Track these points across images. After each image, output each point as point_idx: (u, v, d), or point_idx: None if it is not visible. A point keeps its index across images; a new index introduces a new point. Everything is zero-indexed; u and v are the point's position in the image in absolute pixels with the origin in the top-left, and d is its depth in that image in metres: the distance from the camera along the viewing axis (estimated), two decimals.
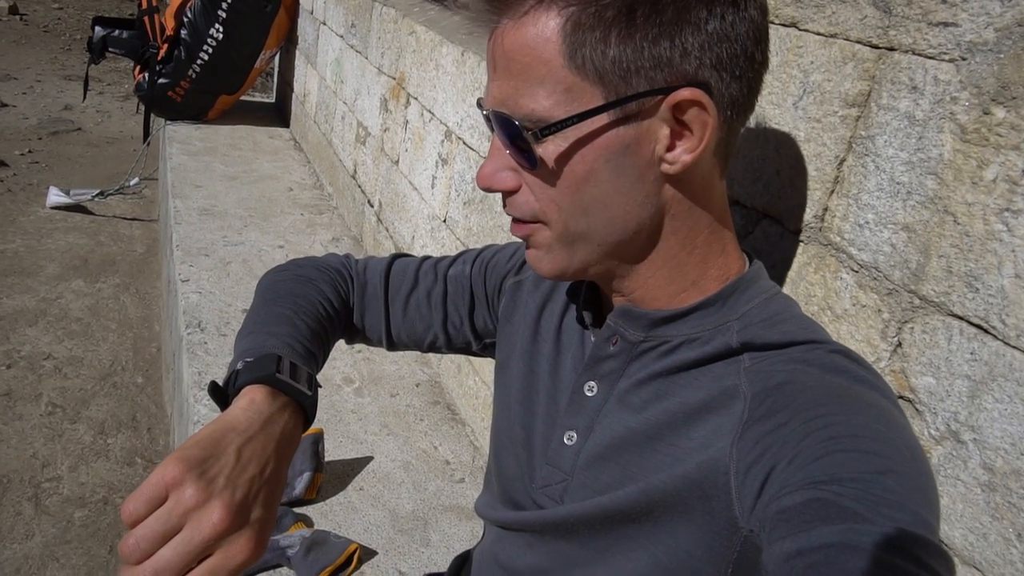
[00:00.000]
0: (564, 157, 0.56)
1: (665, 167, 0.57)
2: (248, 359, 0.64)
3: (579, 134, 0.55)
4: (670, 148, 0.56)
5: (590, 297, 0.71)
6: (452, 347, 0.87)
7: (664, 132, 0.56)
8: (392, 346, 0.87)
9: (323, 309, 0.79)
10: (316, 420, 1.61)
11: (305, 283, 0.81)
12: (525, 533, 0.71)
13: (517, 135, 0.57)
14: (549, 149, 0.56)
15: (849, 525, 0.41)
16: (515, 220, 0.63)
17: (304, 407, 0.64)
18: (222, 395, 0.64)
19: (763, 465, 0.51)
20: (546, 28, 0.53)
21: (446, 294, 0.84)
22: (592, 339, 0.69)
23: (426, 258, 0.88)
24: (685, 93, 0.54)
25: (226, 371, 0.67)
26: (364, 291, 0.86)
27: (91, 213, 3.61)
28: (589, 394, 0.67)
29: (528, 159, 0.57)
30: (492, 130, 0.62)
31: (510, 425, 0.76)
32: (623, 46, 0.53)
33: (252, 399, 0.60)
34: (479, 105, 0.63)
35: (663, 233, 0.60)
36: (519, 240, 0.85)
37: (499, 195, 0.65)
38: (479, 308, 0.84)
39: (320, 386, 0.68)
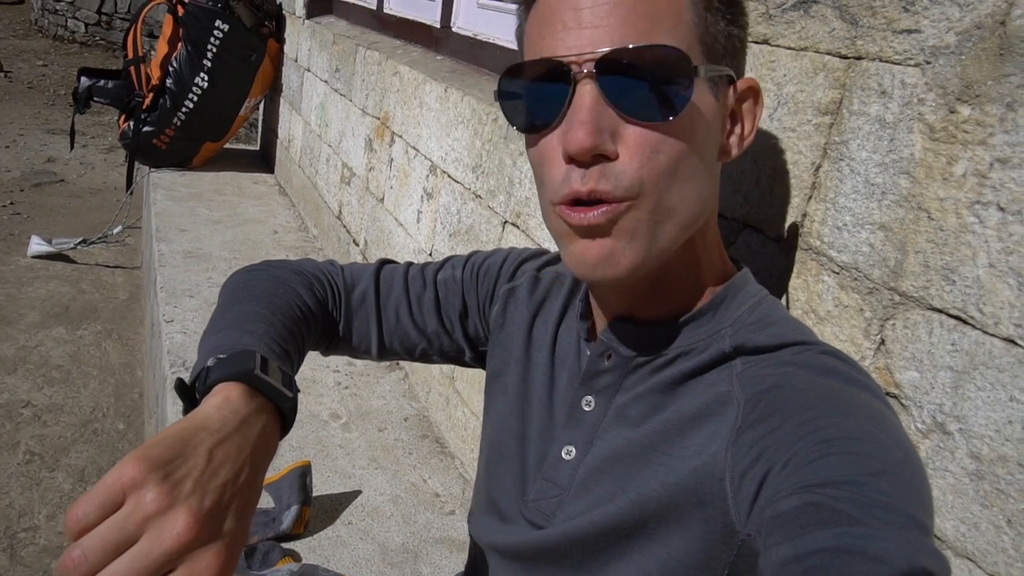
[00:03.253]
0: (692, 114, 0.54)
1: (722, 155, 0.59)
2: (221, 355, 0.58)
3: (699, 94, 0.55)
4: (728, 136, 0.59)
5: (584, 310, 0.71)
6: (444, 355, 0.85)
7: (724, 118, 0.58)
8: (382, 354, 0.84)
9: (299, 312, 0.74)
10: (303, 454, 1.60)
11: (280, 284, 0.76)
12: (522, 561, 0.69)
13: (669, 74, 0.52)
14: (695, 96, 0.54)
15: (844, 529, 0.41)
16: (582, 203, 0.55)
17: (283, 411, 0.58)
18: (190, 394, 0.58)
19: (758, 469, 0.51)
20: None
21: (438, 300, 0.82)
22: (587, 352, 0.68)
23: (410, 264, 0.86)
24: (749, 82, 0.58)
25: (192, 370, 0.61)
26: (350, 296, 0.82)
27: (73, 261, 3.59)
28: (587, 408, 0.66)
29: (665, 107, 0.53)
30: (540, 87, 0.55)
31: (506, 438, 0.74)
32: (725, 22, 0.56)
33: (227, 397, 0.54)
34: (524, 71, 0.57)
35: (705, 226, 0.62)
36: (508, 248, 0.85)
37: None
38: (471, 314, 0.82)
39: (299, 390, 0.62)
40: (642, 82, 0.52)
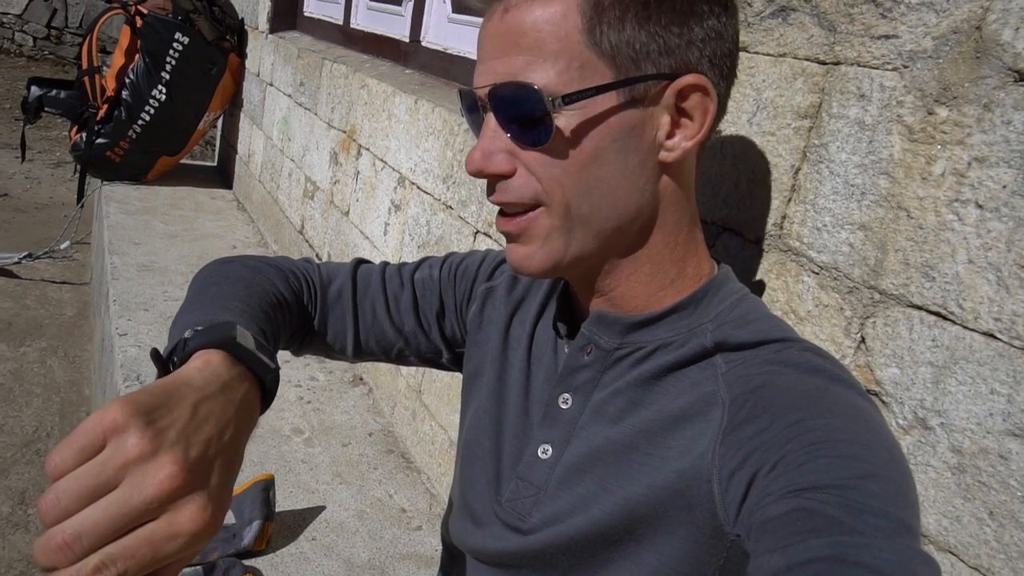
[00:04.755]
0: (575, 132, 0.56)
1: (664, 155, 0.59)
2: (199, 328, 0.55)
3: (591, 110, 0.56)
4: (670, 136, 0.59)
5: (563, 307, 0.70)
6: (421, 357, 0.83)
7: (665, 119, 0.58)
8: (358, 353, 0.82)
9: (276, 299, 0.72)
10: (264, 470, 1.54)
11: (256, 272, 0.74)
12: (505, 567, 0.67)
13: (531, 106, 0.56)
14: (561, 123, 0.56)
15: (837, 538, 0.41)
16: (505, 214, 0.61)
17: (265, 383, 0.55)
18: (165, 366, 0.55)
19: (746, 471, 0.50)
20: (564, 3, 0.55)
21: (415, 299, 0.81)
22: (566, 350, 0.68)
23: (386, 263, 0.85)
24: (690, 79, 0.57)
25: (167, 345, 0.58)
26: (327, 292, 0.80)
27: (17, 276, 3.44)
28: (564, 406, 0.65)
29: (538, 134, 0.57)
30: (474, 115, 0.62)
31: (478, 437, 0.73)
32: (638, 28, 0.55)
33: (207, 361, 0.51)
34: (461, 98, 0.63)
35: (655, 225, 0.62)
36: (486, 248, 0.85)
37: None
38: (448, 315, 0.81)
39: (279, 367, 0.58)
40: (518, 113, 0.57)
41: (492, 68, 0.58)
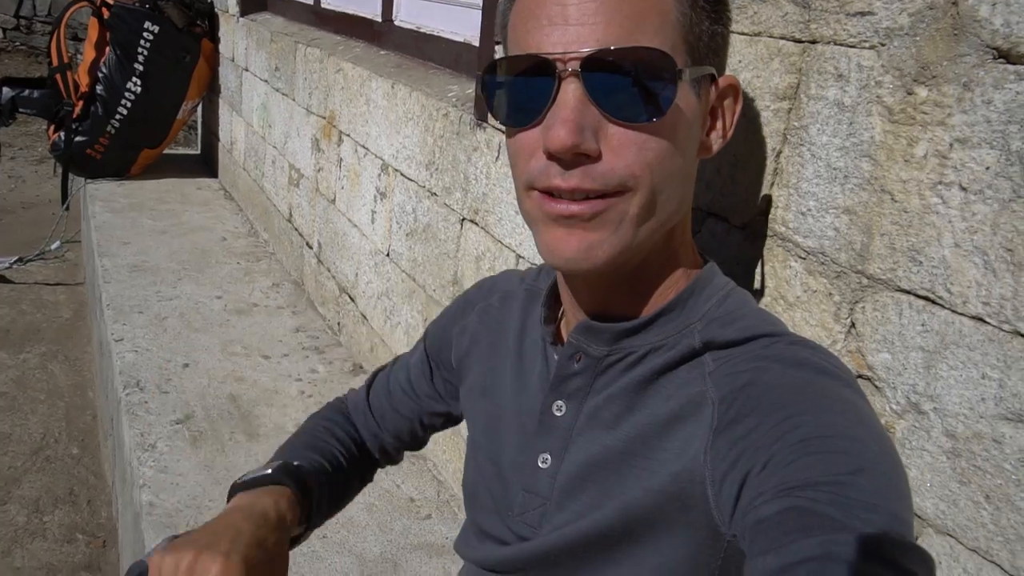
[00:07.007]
0: (674, 112, 0.54)
1: (702, 152, 0.60)
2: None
3: (681, 94, 0.54)
4: (707, 133, 0.60)
5: (549, 314, 0.69)
6: (444, 423, 0.87)
7: (705, 115, 0.59)
8: (400, 450, 0.88)
9: (337, 454, 0.82)
10: None
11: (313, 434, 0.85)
12: (512, 574, 0.68)
13: (654, 77, 0.53)
14: (679, 99, 0.54)
15: (828, 536, 0.41)
16: (574, 200, 0.54)
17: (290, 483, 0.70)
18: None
19: (738, 472, 0.50)
20: None
21: (411, 380, 0.85)
22: (555, 356, 0.67)
23: (396, 359, 0.89)
24: (730, 79, 0.58)
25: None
26: (355, 422, 0.87)
27: (10, 281, 3.43)
28: (558, 414, 0.65)
29: (648, 109, 0.53)
30: (527, 85, 0.55)
31: (479, 461, 0.74)
32: (709, 20, 0.56)
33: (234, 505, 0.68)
34: (501, 66, 0.56)
35: (678, 224, 0.62)
36: (455, 297, 0.86)
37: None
38: (437, 373, 0.84)
39: (298, 464, 0.73)
40: (626, 83, 0.52)
41: (584, 34, 0.52)
